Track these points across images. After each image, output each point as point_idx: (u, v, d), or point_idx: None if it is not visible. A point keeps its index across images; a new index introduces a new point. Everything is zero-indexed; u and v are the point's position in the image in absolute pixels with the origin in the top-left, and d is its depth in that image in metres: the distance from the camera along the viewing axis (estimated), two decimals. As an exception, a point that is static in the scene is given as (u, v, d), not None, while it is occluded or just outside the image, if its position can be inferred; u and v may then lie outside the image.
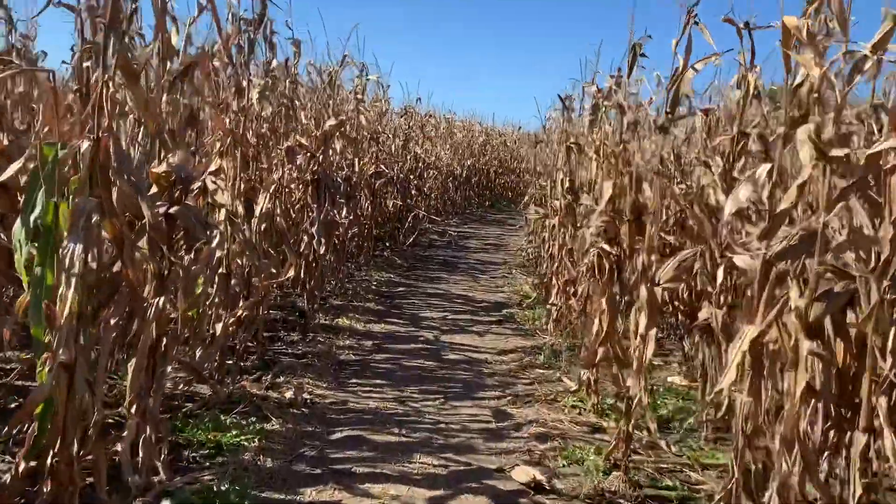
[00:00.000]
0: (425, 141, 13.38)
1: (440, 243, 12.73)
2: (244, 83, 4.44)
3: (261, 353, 5.25)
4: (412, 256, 10.84)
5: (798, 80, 2.82)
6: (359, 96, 7.85)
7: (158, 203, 3.02)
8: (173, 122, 3.33)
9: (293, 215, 6.39)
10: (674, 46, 3.16)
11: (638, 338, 3.55)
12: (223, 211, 4.35)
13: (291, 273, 4.86)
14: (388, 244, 11.00)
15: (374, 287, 8.25)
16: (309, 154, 6.00)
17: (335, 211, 6.37)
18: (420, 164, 12.48)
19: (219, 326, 4.33)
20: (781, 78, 2.83)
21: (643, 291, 3.51)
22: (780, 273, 2.92)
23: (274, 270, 4.68)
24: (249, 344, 5.30)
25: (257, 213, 4.67)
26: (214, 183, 4.45)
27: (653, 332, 3.52)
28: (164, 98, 3.29)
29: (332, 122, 6.11)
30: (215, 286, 4.34)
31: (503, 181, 23.00)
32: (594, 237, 4.45)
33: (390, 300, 7.75)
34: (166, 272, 3.10)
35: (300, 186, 6.42)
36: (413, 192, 12.07)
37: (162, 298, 3.07)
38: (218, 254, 4.27)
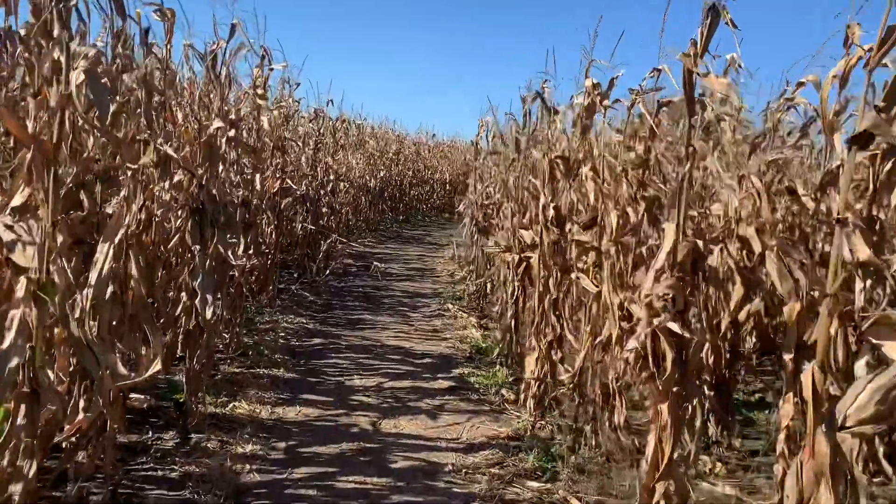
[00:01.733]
0: (338, 150, 11.46)
1: (356, 269, 10.86)
2: (60, 56, 2.52)
3: (112, 485, 3.34)
4: (326, 289, 8.94)
5: None
6: (259, 91, 5.92)
7: None
8: None
9: (166, 255, 4.48)
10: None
11: (807, 527, 1.92)
12: (25, 281, 2.45)
13: (157, 367, 2.98)
14: (296, 275, 9.09)
15: (281, 340, 6.35)
16: (188, 172, 4.10)
17: (228, 250, 4.47)
18: (332, 178, 10.58)
19: (17, 488, 2.41)
20: None
21: (821, 444, 1.89)
22: None
23: (124, 371, 2.80)
24: (98, 464, 3.41)
25: (93, 278, 2.76)
26: (11, 230, 2.55)
27: (838, 517, 1.90)
28: None
29: (218, 123, 4.20)
30: (11, 417, 2.43)
31: (416, 193, 21.26)
32: (653, 311, 2.82)
33: (305, 360, 5.87)
34: None
35: (179, 214, 4.51)
36: (325, 210, 10.17)
37: None
38: (14, 361, 2.38)
